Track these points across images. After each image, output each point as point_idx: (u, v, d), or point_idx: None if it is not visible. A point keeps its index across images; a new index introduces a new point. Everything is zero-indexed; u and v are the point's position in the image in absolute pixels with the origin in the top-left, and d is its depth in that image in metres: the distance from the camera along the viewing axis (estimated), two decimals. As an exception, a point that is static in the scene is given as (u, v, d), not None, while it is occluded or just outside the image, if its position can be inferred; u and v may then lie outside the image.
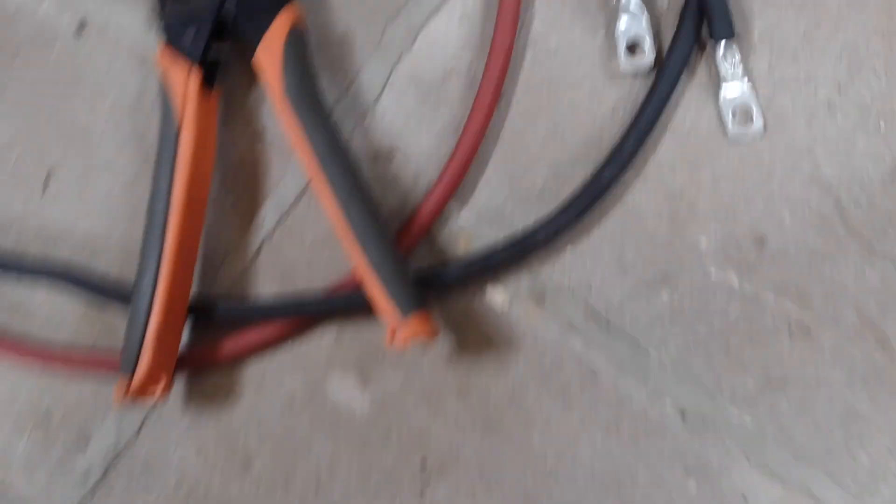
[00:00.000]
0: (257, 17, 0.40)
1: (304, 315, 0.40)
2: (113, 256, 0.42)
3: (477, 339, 0.40)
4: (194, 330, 0.41)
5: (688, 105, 0.40)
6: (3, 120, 0.44)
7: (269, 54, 0.39)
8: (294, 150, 0.39)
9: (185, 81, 0.39)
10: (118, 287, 0.42)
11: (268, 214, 0.42)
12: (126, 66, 0.44)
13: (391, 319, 0.37)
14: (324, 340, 0.41)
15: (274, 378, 0.41)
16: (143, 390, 0.38)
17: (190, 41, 0.40)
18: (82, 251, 0.43)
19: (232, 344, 0.41)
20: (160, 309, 0.38)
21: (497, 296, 0.40)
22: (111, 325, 0.42)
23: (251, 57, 0.40)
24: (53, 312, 0.43)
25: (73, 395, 0.43)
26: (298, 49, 0.39)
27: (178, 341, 0.40)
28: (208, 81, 0.40)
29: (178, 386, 0.42)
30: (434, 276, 0.39)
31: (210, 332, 0.41)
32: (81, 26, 0.44)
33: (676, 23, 0.40)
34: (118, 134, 0.43)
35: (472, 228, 0.41)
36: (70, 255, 0.43)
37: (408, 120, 0.42)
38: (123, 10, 0.44)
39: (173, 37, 0.40)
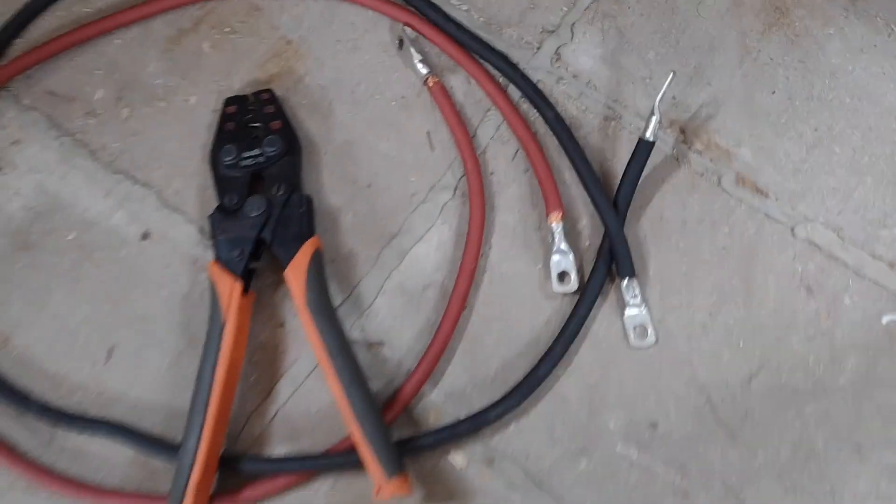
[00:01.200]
0: (287, 245, 0.53)
1: (309, 469, 0.51)
2: (159, 417, 0.53)
3: (441, 493, 0.51)
4: (221, 479, 0.51)
5: (601, 320, 0.54)
6: (77, 305, 0.56)
7: (296, 273, 0.52)
8: (309, 343, 0.51)
9: (230, 289, 0.52)
10: (162, 442, 0.52)
11: (283, 388, 0.54)
12: (179, 267, 0.56)
13: (378, 478, 0.48)
14: (322, 489, 0.52)
15: (281, 519, 0.52)
16: (184, 528, 0.48)
17: (235, 259, 0.53)
18: (133, 412, 0.53)
19: (251, 490, 0.51)
20: (201, 464, 0.49)
21: (458, 458, 0.52)
22: (154, 472, 0.52)
23: (280, 270, 0.53)
24: (106, 460, 0.53)
25: (116, 530, 0.52)
26: (317, 271, 0.52)
27: (211, 488, 0.50)
28: (246, 286, 0.53)
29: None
30: (410, 442, 0.51)
31: (234, 480, 0.52)
32: (145, 235, 0.57)
33: (594, 261, 0.55)
34: (169, 320, 0.55)
35: (441, 405, 0.53)
36: (123, 414, 0.53)
37: (395, 320, 0.55)
38: (180, 225, 0.57)
39: (222, 255, 0.53)
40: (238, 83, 0.60)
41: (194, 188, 0.58)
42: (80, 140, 0.59)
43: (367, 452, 0.49)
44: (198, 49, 0.61)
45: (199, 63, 0.60)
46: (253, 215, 0.54)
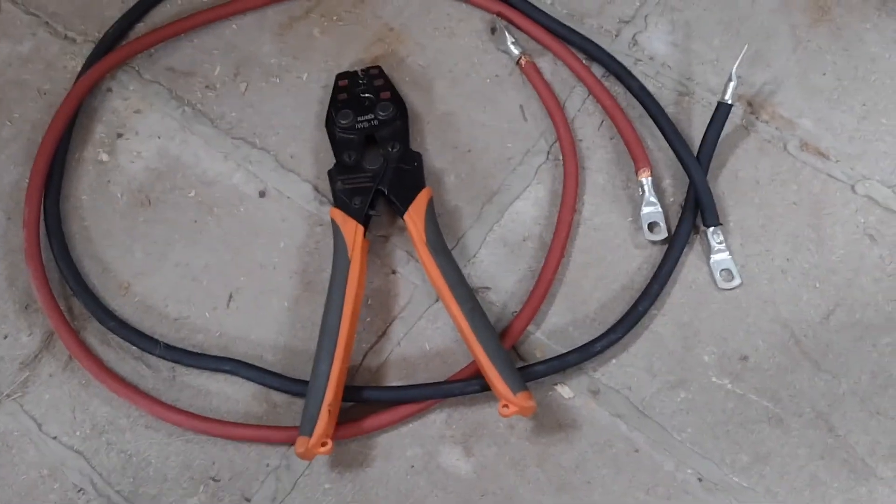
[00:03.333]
0: (404, 193, 0.55)
1: (429, 398, 0.52)
2: (278, 357, 0.54)
3: (550, 422, 0.53)
4: (343, 410, 0.52)
5: (690, 266, 0.57)
6: (198, 255, 0.57)
7: (415, 217, 0.54)
8: (429, 278, 0.53)
9: (353, 231, 0.54)
10: (283, 377, 0.53)
11: (397, 329, 0.55)
12: (296, 221, 0.58)
13: (505, 394, 0.49)
14: (437, 420, 0.53)
15: (399, 448, 0.52)
16: (315, 449, 0.49)
17: (356, 206, 0.55)
18: (254, 352, 0.54)
19: (371, 421, 0.52)
20: (332, 387, 0.49)
21: (565, 390, 0.53)
22: (276, 406, 0.53)
23: (389, 224, 0.56)
24: (228, 396, 0.53)
25: (239, 462, 0.52)
26: (432, 216, 0.55)
27: (337, 416, 0.51)
28: (364, 233, 0.55)
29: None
30: (523, 371, 0.52)
31: (355, 411, 0.52)
32: (263, 193, 0.59)
33: (680, 212, 0.58)
34: (286, 268, 0.57)
35: (546, 342, 0.55)
36: (244, 354, 0.54)
37: (497, 267, 0.57)
38: (296, 184, 0.59)
39: (343, 202, 0.55)
40: (346, 63, 0.63)
41: (308, 151, 0.60)
42: (200, 110, 0.62)
43: (492, 372, 0.50)
44: (309, 34, 0.64)
45: (311, 45, 0.64)
46: (371, 168, 0.57)
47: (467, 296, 0.52)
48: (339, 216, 0.54)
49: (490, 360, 0.50)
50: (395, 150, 0.57)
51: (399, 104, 0.60)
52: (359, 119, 0.59)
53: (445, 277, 0.53)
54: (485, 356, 0.50)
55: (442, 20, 0.65)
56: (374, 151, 0.58)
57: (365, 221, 0.55)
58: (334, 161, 0.58)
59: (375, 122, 0.59)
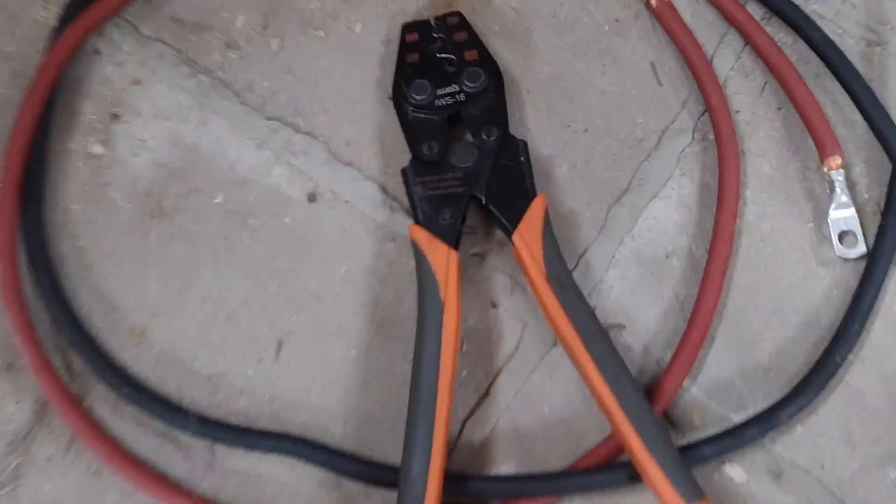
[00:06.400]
0: (509, 203, 0.38)
1: (556, 493, 0.37)
2: (350, 427, 0.39)
3: (717, 513, 0.38)
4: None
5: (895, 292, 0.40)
6: (232, 285, 0.40)
7: (529, 242, 0.37)
8: (552, 325, 0.37)
9: (445, 261, 0.37)
10: (356, 460, 0.38)
11: (503, 386, 0.39)
12: (360, 235, 0.41)
13: (672, 502, 0.34)
14: (565, 513, 0.38)
15: (514, 550, 0.38)
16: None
17: (445, 222, 0.38)
18: (316, 421, 0.39)
19: (478, 518, 0.37)
20: (433, 487, 0.34)
21: (737, 471, 0.38)
22: (348, 498, 0.38)
23: (486, 236, 0.39)
24: (286, 484, 0.38)
25: (304, 568, 0.38)
26: (551, 237, 0.38)
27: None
28: (454, 246, 0.38)
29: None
30: (685, 452, 0.37)
31: (455, 504, 0.38)
32: (313, 197, 0.42)
33: (881, 217, 0.40)
34: (351, 301, 0.40)
35: (705, 402, 0.39)
36: (302, 425, 0.39)
37: (633, 296, 0.40)
38: (356, 182, 0.42)
39: (427, 217, 0.38)
40: (413, 5, 0.44)
41: (370, 136, 0.42)
42: (221, 79, 0.43)
43: (650, 467, 0.34)
44: (360, -36, 0.45)
45: (363, -19, 0.45)
46: (462, 166, 0.39)
47: (609, 354, 0.36)
48: (424, 237, 0.38)
49: (646, 447, 0.34)
50: (491, 137, 0.40)
51: (492, 68, 0.41)
52: (439, 93, 0.40)
53: (575, 324, 0.36)
54: (637, 440, 0.34)
55: (540, -58, 0.45)
56: (464, 140, 0.40)
57: (457, 241, 0.38)
58: (409, 154, 0.40)
59: (462, 98, 0.40)
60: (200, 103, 0.43)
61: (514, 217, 0.38)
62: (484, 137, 0.40)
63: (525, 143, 0.40)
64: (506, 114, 0.40)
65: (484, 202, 0.38)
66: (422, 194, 0.39)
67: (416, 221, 0.38)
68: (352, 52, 0.44)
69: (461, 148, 0.39)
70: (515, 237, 0.37)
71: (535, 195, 0.38)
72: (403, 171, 0.40)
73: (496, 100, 0.41)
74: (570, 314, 0.36)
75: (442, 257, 0.37)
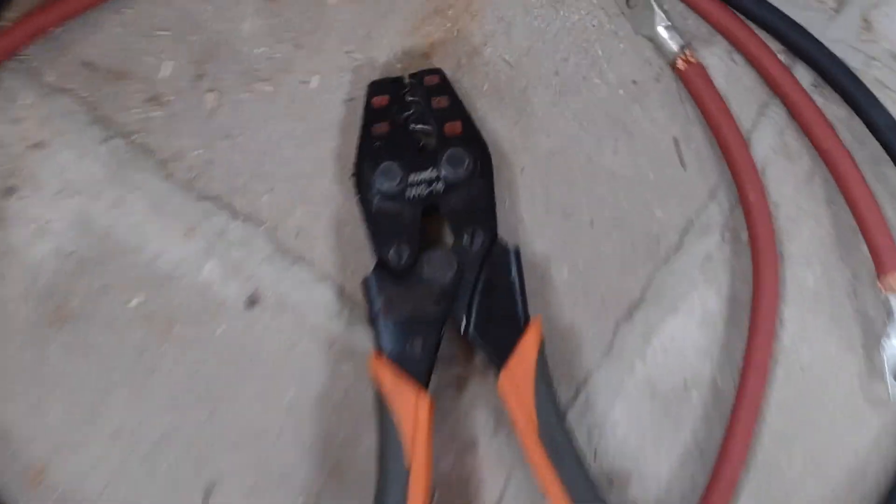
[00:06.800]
0: (495, 331, 0.30)
1: None
2: None
3: None
4: None
5: (959, 441, 0.33)
6: (156, 413, 0.33)
7: (518, 383, 0.29)
8: (545, 492, 0.30)
9: (413, 407, 0.29)
10: None
11: (484, 545, 0.33)
12: (310, 351, 0.33)
13: None
14: None
15: None
16: None
17: (414, 353, 0.30)
18: (252, 582, 0.32)
19: None
20: None
21: None
22: None
23: (465, 360, 0.31)
24: None
25: None
26: (545, 376, 0.30)
27: None
28: (431, 405, 0.30)
29: None
30: None
31: None
32: (253, 300, 0.34)
33: (947, 348, 0.33)
34: (298, 436, 0.32)
35: (723, 574, 0.32)
36: (236, 585, 0.32)
37: (643, 437, 0.33)
38: (307, 283, 0.34)
39: (392, 345, 0.30)
40: (383, 54, 0.35)
41: (326, 224, 0.34)
42: (141, 144, 0.35)
43: None
44: (318, 0, 0.36)
45: (322, 20, 0.36)
46: (439, 281, 0.31)
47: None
48: (387, 376, 0.30)
49: None
50: (476, 242, 0.32)
51: (479, 147, 0.33)
52: (412, 179, 0.32)
53: (569, 490, 0.29)
54: None
55: (544, -23, 0.36)
56: (442, 244, 0.32)
57: (428, 377, 0.31)
58: (373, 255, 0.32)
59: (440, 187, 0.32)
60: (116, 176, 0.34)
61: (502, 351, 0.30)
62: (466, 242, 0.32)
63: (518, 251, 0.32)
64: (494, 211, 0.32)
65: (463, 330, 0.31)
66: (387, 315, 0.31)
67: (379, 349, 0.31)
68: (306, 114, 0.35)
69: (437, 256, 0.31)
70: (502, 378, 0.30)
71: (527, 320, 0.31)
72: (364, 283, 0.32)
73: (483, 191, 0.32)
74: (564, 479, 0.29)
75: (409, 403, 0.29)
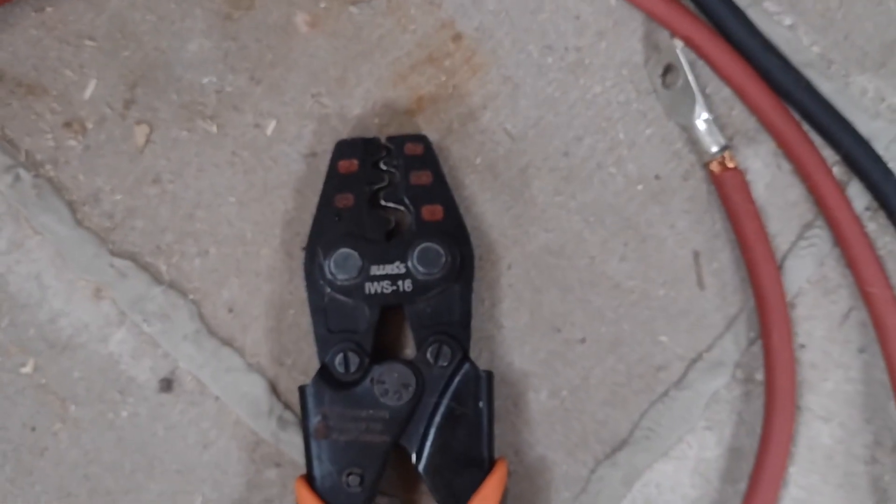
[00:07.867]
0: (453, 478, 0.25)
1: None
2: None
3: None
4: None
5: None
6: (41, 498, 0.27)
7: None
8: None
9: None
10: None
11: None
12: (229, 449, 0.27)
13: None
14: None
15: None
16: None
17: (350, 493, 0.25)
18: None
19: None
20: None
21: None
22: None
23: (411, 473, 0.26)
24: None
25: None
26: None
27: None
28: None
29: None
30: None
31: None
32: (167, 384, 0.28)
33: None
34: (204, 555, 0.28)
35: None
36: None
37: None
38: (233, 371, 0.28)
39: (323, 473, 0.25)
40: (358, 105, 0.29)
41: (264, 302, 0.28)
42: (51, 178, 0.28)
43: None
44: (286, 25, 0.29)
45: (288, 51, 0.29)
46: (391, 403, 0.26)
47: None
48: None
49: None
50: (441, 359, 0.26)
51: (459, 241, 0.27)
52: (374, 272, 0.26)
53: None
54: None
55: (562, 29, 0.29)
56: (400, 357, 0.27)
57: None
58: (317, 356, 0.26)
59: (408, 287, 0.26)
60: (17, 214, 0.28)
61: (458, 497, 0.25)
62: (430, 358, 0.26)
63: (490, 377, 0.26)
64: (469, 324, 0.26)
65: (415, 464, 0.25)
66: (322, 436, 0.25)
67: (309, 478, 0.25)
68: (256, 166, 0.28)
69: (393, 371, 0.26)
70: (457, 535, 0.25)
71: (492, 462, 0.25)
72: (301, 392, 0.26)
73: (459, 298, 0.26)
74: None
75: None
